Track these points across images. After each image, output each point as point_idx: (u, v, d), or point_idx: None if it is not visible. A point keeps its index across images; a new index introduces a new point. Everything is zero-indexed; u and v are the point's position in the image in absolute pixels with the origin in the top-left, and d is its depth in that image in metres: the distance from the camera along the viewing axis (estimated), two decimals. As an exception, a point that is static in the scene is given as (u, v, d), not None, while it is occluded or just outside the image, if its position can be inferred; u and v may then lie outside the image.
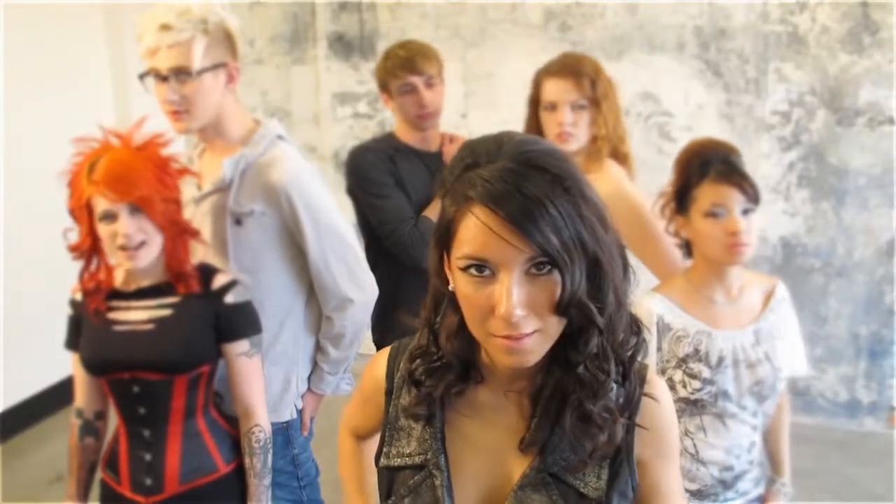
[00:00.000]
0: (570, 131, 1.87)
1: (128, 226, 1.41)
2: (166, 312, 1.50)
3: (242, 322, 1.55)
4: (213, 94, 1.59)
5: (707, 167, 1.49)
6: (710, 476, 1.59)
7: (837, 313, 3.42)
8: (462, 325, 0.83)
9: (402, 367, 0.94)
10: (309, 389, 1.80)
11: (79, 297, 1.56)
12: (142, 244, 1.44)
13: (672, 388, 1.52)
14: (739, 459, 1.59)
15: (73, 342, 1.58)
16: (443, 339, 0.87)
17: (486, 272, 0.75)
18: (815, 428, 3.46)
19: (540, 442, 0.85)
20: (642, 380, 0.87)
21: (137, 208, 1.42)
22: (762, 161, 3.37)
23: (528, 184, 0.73)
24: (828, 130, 3.28)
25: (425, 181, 2.09)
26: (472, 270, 0.76)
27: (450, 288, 0.82)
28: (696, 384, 1.53)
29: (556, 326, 0.78)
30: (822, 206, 3.36)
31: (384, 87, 2.10)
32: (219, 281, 1.54)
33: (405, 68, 2.03)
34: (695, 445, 1.58)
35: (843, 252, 3.36)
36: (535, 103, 1.97)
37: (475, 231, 0.75)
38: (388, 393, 0.95)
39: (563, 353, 0.82)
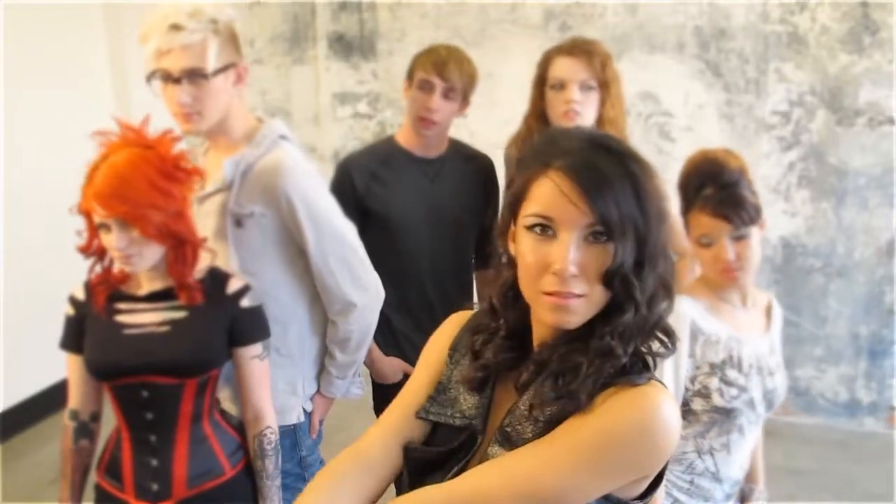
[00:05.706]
0: (577, 110, 1.84)
1: (119, 239, 1.38)
2: (182, 314, 1.47)
3: (256, 326, 1.54)
4: (224, 95, 1.57)
5: (696, 194, 1.48)
6: (721, 492, 1.56)
7: (837, 313, 3.41)
8: (514, 286, 0.91)
9: (466, 337, 1.01)
10: (318, 392, 1.77)
11: (81, 295, 1.52)
12: (135, 254, 1.41)
13: (707, 396, 1.49)
14: (743, 471, 1.59)
15: (70, 342, 1.52)
16: (495, 296, 0.96)
17: (549, 232, 0.85)
18: (815, 428, 3.46)
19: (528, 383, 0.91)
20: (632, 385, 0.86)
21: (127, 223, 1.38)
22: (762, 161, 3.37)
23: (601, 161, 0.85)
24: (828, 130, 3.28)
25: (420, 187, 2.06)
26: (537, 229, 0.85)
27: (510, 251, 0.91)
28: (734, 391, 1.50)
29: (600, 296, 0.85)
30: (822, 206, 3.35)
31: (409, 74, 2.07)
32: (234, 285, 1.52)
33: (434, 66, 1.99)
34: (716, 464, 1.55)
35: (843, 252, 3.36)
36: (541, 82, 1.94)
37: (547, 192, 0.85)
38: (451, 355, 1.02)
39: (591, 327, 0.87)
